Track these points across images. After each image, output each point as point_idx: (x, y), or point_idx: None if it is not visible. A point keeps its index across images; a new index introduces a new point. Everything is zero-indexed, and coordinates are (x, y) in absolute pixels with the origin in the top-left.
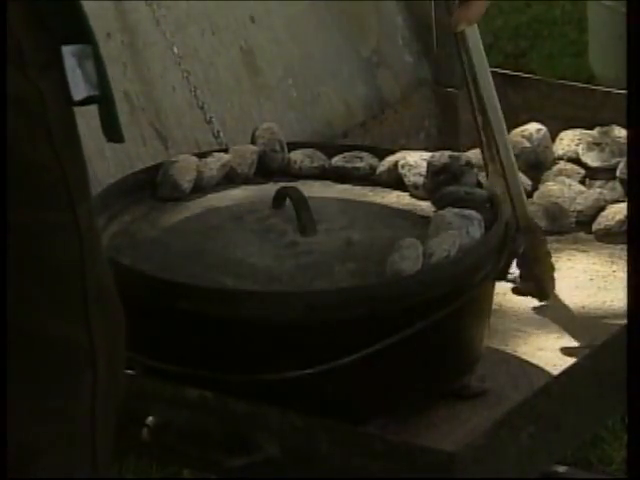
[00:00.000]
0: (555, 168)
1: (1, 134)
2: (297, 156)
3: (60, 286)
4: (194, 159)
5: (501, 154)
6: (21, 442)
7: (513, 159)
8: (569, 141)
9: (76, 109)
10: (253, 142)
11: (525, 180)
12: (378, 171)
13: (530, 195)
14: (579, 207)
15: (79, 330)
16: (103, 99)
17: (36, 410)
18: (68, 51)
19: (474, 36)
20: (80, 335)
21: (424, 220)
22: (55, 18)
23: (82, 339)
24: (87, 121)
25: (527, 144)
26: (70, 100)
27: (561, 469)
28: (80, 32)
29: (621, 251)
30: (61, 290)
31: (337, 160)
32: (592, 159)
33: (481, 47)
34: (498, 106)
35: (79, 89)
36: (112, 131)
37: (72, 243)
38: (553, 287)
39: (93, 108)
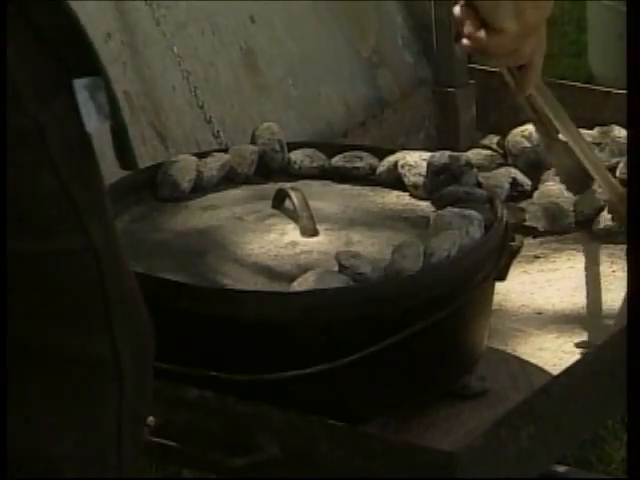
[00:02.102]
0: None
1: (1, 138)
2: (297, 156)
3: (81, 304)
4: (194, 159)
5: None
6: (40, 454)
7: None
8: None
9: None
10: (253, 142)
11: (525, 180)
12: (378, 171)
13: (530, 195)
14: (579, 207)
15: (103, 345)
16: (117, 129)
17: (60, 423)
18: (80, 84)
19: (543, 91)
20: (104, 350)
21: (424, 220)
22: (64, 50)
23: (106, 354)
24: None
25: (527, 144)
26: (83, 130)
27: (561, 469)
28: (89, 63)
29: (621, 251)
30: (83, 307)
31: (337, 160)
32: None
33: (553, 98)
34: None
35: (92, 121)
36: (127, 159)
37: (89, 265)
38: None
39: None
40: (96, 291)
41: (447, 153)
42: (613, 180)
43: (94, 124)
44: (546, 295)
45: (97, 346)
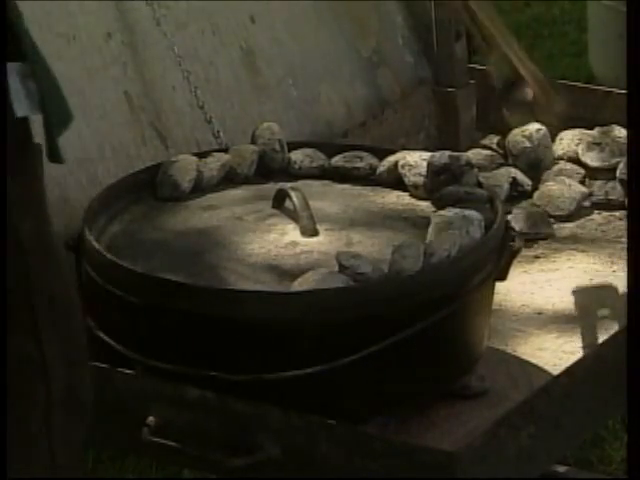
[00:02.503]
0: (555, 168)
1: (1, 144)
2: (297, 156)
3: (9, 302)
4: (194, 159)
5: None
6: None
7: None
8: (569, 141)
9: (75, 109)
10: (253, 142)
11: (525, 180)
12: (378, 171)
13: (530, 195)
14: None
15: (30, 345)
16: (45, 121)
17: None
18: (12, 68)
19: None
20: (31, 350)
21: (424, 220)
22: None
23: (33, 354)
24: (87, 122)
25: (527, 144)
26: (18, 120)
27: (561, 469)
28: (24, 50)
29: (621, 251)
30: (10, 307)
31: (337, 160)
32: (592, 159)
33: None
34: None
35: (21, 107)
36: (52, 152)
37: (14, 262)
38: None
39: (96, 109)
40: (21, 290)
41: (447, 153)
42: (538, 72)
43: (23, 110)
44: (546, 295)
45: (25, 346)
